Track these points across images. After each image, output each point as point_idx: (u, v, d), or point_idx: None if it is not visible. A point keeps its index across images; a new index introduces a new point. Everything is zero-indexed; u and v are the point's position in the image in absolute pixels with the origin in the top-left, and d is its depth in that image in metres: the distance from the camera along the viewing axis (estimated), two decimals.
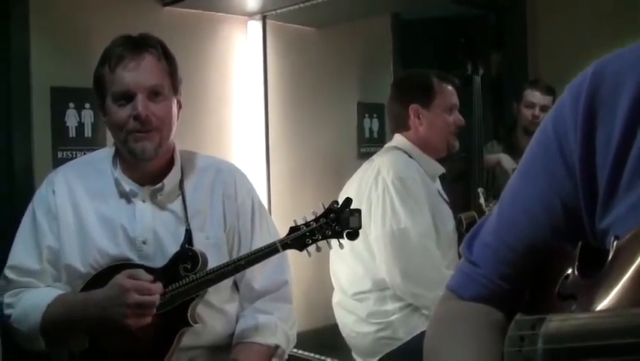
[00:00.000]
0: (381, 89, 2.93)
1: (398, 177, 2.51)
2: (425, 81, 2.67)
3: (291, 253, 1.83)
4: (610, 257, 0.62)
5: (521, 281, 0.79)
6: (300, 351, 3.06)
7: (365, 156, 3.11)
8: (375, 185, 2.53)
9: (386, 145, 2.76)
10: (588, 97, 0.74)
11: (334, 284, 2.76)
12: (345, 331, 2.73)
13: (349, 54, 3.49)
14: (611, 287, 0.58)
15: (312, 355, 3.10)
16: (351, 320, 2.66)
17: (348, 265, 2.65)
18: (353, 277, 2.64)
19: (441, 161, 2.73)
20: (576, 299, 0.66)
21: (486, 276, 0.86)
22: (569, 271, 0.68)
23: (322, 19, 3.24)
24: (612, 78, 0.74)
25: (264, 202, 3.06)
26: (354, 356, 2.72)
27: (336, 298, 2.76)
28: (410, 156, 2.63)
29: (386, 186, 2.50)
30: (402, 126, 2.69)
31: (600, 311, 0.56)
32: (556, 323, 0.55)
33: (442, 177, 2.76)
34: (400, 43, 3.71)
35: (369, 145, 3.51)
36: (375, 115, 3.60)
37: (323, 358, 3.08)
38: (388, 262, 2.48)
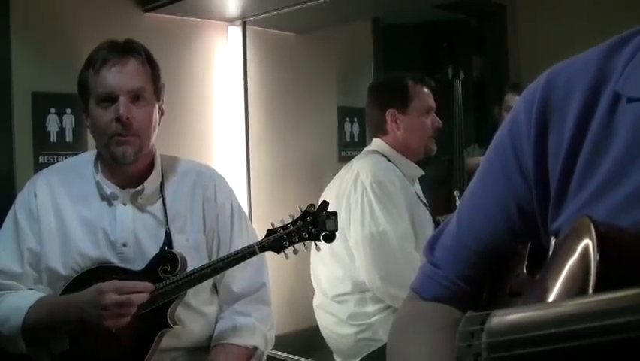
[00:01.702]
0: (362, 93, 2.95)
1: (377, 180, 2.53)
2: (401, 85, 2.69)
3: (272, 256, 1.84)
4: (550, 255, 0.66)
5: (480, 282, 0.82)
6: (281, 353, 3.08)
7: (345, 159, 3.12)
8: (354, 189, 2.56)
9: (365, 149, 2.79)
10: (540, 104, 0.77)
11: (315, 286, 2.78)
12: (325, 332, 2.75)
13: (330, 59, 3.50)
14: (547, 283, 0.62)
15: (293, 357, 3.11)
16: (332, 321, 2.69)
17: (328, 268, 2.67)
18: (333, 280, 2.66)
19: (423, 163, 2.75)
20: (521, 296, 0.70)
21: (446, 277, 0.89)
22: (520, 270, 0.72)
23: (302, 25, 3.25)
24: (562, 87, 0.77)
25: (244, 206, 3.08)
26: (336, 357, 2.74)
27: (317, 300, 2.78)
28: (389, 160, 2.65)
29: (365, 189, 2.52)
30: (380, 131, 2.71)
31: (535, 305, 0.59)
32: (497, 317, 0.58)
33: (421, 180, 2.79)
34: (380, 47, 3.73)
35: (349, 149, 3.53)
36: (355, 119, 3.62)
37: (304, 360, 3.09)
38: (368, 265, 2.50)
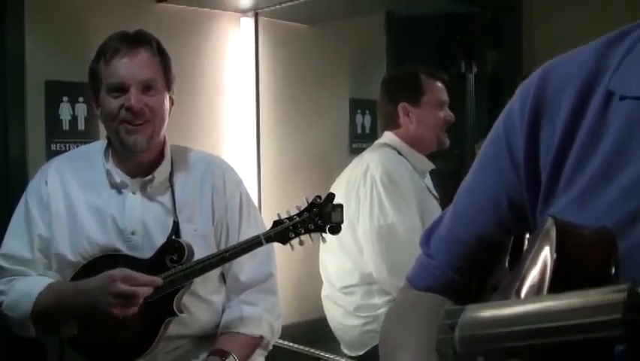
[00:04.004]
0: (374, 86, 2.94)
1: (386, 173, 2.54)
2: (413, 79, 2.69)
3: (281, 247, 1.85)
4: (524, 250, 0.67)
5: (472, 273, 0.84)
6: (289, 343, 3.09)
7: (356, 151, 3.12)
8: (364, 181, 2.57)
9: (376, 142, 2.79)
10: (534, 98, 0.78)
11: (323, 278, 2.80)
12: (333, 324, 2.77)
13: (342, 51, 3.49)
14: (514, 279, 0.63)
15: (301, 347, 3.13)
16: (339, 313, 2.71)
17: (336, 259, 2.68)
18: (341, 271, 2.68)
19: (434, 157, 2.75)
20: (497, 290, 0.71)
21: (439, 267, 0.91)
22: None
23: (315, 16, 3.24)
24: (557, 82, 0.78)
25: (254, 197, 3.09)
26: (343, 348, 2.76)
27: (325, 291, 2.80)
28: (399, 153, 2.66)
29: (374, 182, 2.53)
30: (392, 124, 2.71)
31: (496, 302, 0.60)
32: (468, 312, 0.60)
33: (432, 173, 2.79)
34: (393, 40, 3.71)
35: (360, 141, 3.51)
36: (367, 111, 3.61)
37: (312, 350, 3.11)
38: (375, 257, 2.51)
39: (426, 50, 3.97)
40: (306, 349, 3.07)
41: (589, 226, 0.60)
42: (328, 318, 2.78)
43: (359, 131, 3.62)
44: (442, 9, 3.98)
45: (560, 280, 0.53)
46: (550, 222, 0.59)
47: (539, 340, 0.50)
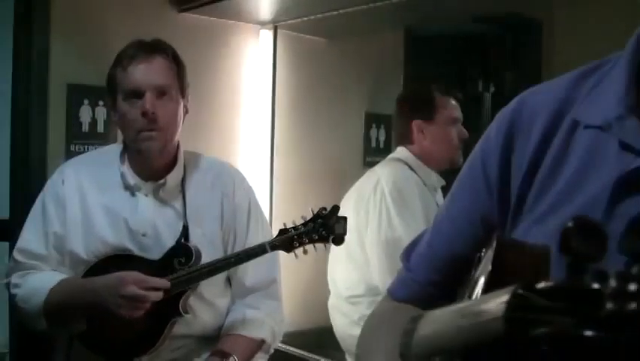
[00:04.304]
0: (390, 101, 2.95)
1: (396, 188, 2.56)
2: (427, 96, 2.71)
3: (292, 255, 1.89)
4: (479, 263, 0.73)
5: (447, 286, 0.88)
6: (294, 349, 3.12)
7: (370, 165, 3.13)
8: (374, 194, 2.59)
9: (389, 156, 2.81)
10: (509, 125, 0.84)
11: (330, 287, 2.82)
12: (338, 332, 2.78)
13: (359, 65, 3.52)
14: (464, 292, 0.69)
15: (306, 353, 3.16)
16: (345, 322, 2.72)
17: (344, 269, 2.71)
18: (348, 281, 2.70)
19: (446, 174, 2.78)
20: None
21: (416, 280, 0.96)
22: None
23: (333, 31, 3.28)
24: (531, 109, 0.83)
25: (267, 206, 3.14)
26: (347, 357, 2.78)
27: (332, 300, 2.82)
28: (411, 168, 2.68)
29: (384, 195, 2.56)
30: (406, 140, 2.73)
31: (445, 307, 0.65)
32: (424, 317, 0.65)
33: (445, 190, 2.81)
34: (411, 57, 3.72)
35: (375, 155, 3.53)
36: (382, 125, 3.64)
37: (316, 357, 3.14)
38: (382, 270, 2.53)
39: (444, 68, 3.98)
40: (311, 356, 3.10)
41: (529, 243, 0.65)
42: (334, 327, 2.80)
43: (373, 145, 3.64)
44: (463, 29, 3.99)
45: (492, 289, 0.58)
46: (494, 239, 0.64)
47: (455, 342, 0.55)
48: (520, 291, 0.50)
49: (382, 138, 3.66)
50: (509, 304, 0.49)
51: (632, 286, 0.43)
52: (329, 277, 2.83)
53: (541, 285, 0.49)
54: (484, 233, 0.86)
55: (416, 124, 2.69)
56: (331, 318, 2.83)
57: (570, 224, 0.50)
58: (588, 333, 0.44)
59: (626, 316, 0.43)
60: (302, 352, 3.18)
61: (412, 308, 0.94)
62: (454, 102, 2.75)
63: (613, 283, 0.44)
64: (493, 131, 0.86)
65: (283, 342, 3.07)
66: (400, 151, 2.75)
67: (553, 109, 0.80)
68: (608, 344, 0.44)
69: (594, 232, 0.50)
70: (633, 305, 0.42)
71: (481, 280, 0.64)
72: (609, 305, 0.44)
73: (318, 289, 2.96)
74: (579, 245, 0.49)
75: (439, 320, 0.61)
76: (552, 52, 3.95)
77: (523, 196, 0.80)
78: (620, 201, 0.68)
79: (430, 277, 0.94)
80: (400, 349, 0.67)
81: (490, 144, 0.86)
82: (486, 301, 0.53)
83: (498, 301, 0.50)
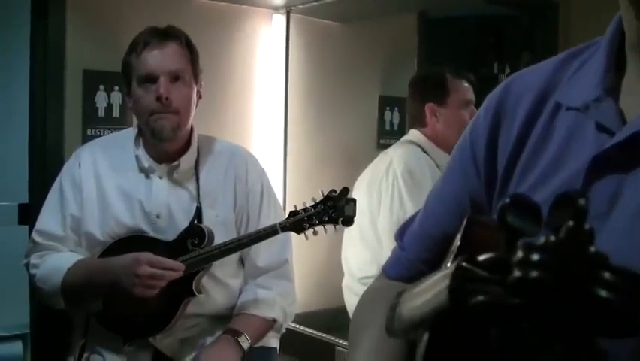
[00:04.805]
0: (404, 84, 2.96)
1: (408, 169, 2.59)
2: (439, 79, 2.73)
3: (305, 236, 1.91)
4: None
5: (438, 264, 0.91)
6: (309, 330, 3.16)
7: (384, 147, 3.15)
8: (386, 176, 2.62)
9: (402, 139, 2.83)
10: (495, 108, 0.86)
11: (344, 268, 2.85)
12: (351, 313, 2.82)
13: (373, 49, 3.52)
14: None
15: (319, 334, 3.19)
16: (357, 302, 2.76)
17: (357, 251, 2.74)
18: (361, 262, 2.73)
19: None
20: None
21: (409, 259, 0.99)
22: None
23: (347, 15, 3.28)
24: (517, 92, 0.85)
25: (280, 189, 3.16)
26: None
27: (345, 281, 2.85)
28: (423, 150, 2.70)
29: (396, 177, 2.58)
30: (419, 123, 2.76)
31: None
32: (406, 291, 0.69)
33: None
34: (425, 40, 3.72)
35: (388, 137, 3.54)
36: (396, 108, 3.64)
37: (329, 337, 3.17)
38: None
39: (458, 50, 3.98)
40: (323, 335, 3.13)
41: (494, 219, 0.68)
42: (347, 307, 2.83)
43: (387, 127, 3.64)
44: (478, 11, 3.98)
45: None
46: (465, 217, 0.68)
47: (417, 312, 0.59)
48: (463, 264, 0.53)
49: (396, 121, 3.67)
50: (453, 275, 0.53)
51: (535, 256, 0.47)
52: (342, 258, 2.86)
53: (481, 258, 0.52)
54: (472, 212, 0.88)
55: (429, 107, 2.71)
56: (345, 298, 2.87)
57: (506, 200, 0.53)
58: (514, 301, 0.47)
59: (529, 282, 0.46)
60: (317, 332, 3.22)
61: (404, 285, 0.97)
62: (466, 85, 2.76)
63: (519, 253, 0.48)
64: (482, 112, 0.89)
65: (298, 322, 3.12)
66: (413, 133, 2.77)
67: (538, 91, 0.82)
68: (522, 310, 0.47)
69: (529, 208, 0.53)
70: (534, 273, 0.46)
71: (452, 255, 0.67)
72: (516, 273, 0.47)
73: (333, 270, 2.99)
74: (515, 221, 0.52)
75: (414, 294, 0.64)
76: (568, 32, 3.92)
77: (509, 175, 0.82)
78: (596, 180, 0.71)
79: (421, 255, 0.97)
80: (386, 323, 0.70)
81: (478, 126, 0.88)
82: (444, 275, 0.56)
83: (448, 273, 0.54)
